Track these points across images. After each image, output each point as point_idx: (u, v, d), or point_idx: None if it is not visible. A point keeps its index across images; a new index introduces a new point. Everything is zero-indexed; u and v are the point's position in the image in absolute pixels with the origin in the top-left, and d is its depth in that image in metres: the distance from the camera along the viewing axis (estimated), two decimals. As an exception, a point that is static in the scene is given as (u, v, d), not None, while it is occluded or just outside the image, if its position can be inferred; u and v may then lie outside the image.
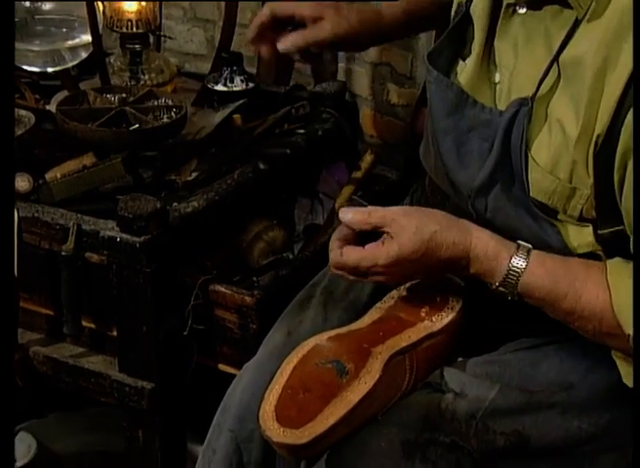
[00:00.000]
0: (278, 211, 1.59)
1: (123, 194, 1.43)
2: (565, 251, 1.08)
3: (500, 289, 1.05)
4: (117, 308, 1.44)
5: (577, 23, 1.02)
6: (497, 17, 1.10)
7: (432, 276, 1.09)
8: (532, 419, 1.07)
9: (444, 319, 1.13)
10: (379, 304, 1.17)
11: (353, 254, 1.06)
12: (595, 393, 1.09)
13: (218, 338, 1.46)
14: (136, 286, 1.40)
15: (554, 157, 1.04)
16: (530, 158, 1.06)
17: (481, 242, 1.06)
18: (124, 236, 1.39)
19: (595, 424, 1.08)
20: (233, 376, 1.25)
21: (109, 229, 1.42)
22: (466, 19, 1.15)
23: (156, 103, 1.62)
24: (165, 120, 1.58)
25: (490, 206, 1.12)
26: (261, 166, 1.57)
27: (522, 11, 1.07)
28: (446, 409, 1.05)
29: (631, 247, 0.99)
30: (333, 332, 1.14)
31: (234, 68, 1.70)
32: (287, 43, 1.30)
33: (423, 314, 1.14)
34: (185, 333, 1.43)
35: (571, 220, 1.07)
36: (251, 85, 1.71)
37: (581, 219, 1.06)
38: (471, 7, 1.14)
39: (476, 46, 1.12)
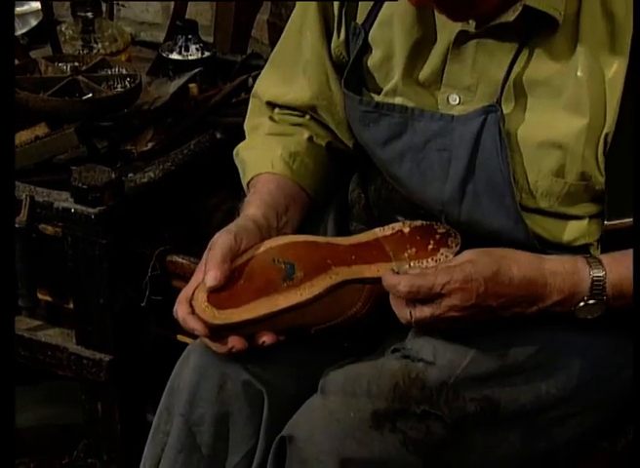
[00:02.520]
0: (237, 181, 1.53)
1: (77, 165, 1.39)
2: (542, 250, 1.07)
3: (591, 302, 1.02)
4: (73, 280, 1.40)
5: (536, 43, 1.03)
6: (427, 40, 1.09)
7: (508, 308, 1.03)
8: (501, 385, 1.04)
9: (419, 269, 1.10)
10: (377, 229, 1.14)
11: (424, 278, 1.02)
12: (563, 356, 1.06)
13: (176, 309, 1.41)
14: (91, 258, 1.36)
15: (558, 161, 1.04)
16: (520, 162, 1.05)
17: (553, 259, 1.03)
18: (78, 207, 1.35)
19: (563, 388, 1.05)
20: None
21: (63, 200, 1.37)
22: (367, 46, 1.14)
23: (110, 72, 1.57)
24: (119, 89, 1.53)
25: (463, 215, 1.10)
26: (218, 135, 1.53)
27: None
28: (416, 377, 1.02)
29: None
30: (312, 238, 1.11)
31: (189, 37, 1.66)
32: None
33: (406, 256, 1.10)
34: (143, 305, 1.39)
35: (568, 214, 1.07)
36: (206, 53, 1.67)
37: (579, 215, 1.07)
38: (371, 33, 1.13)
39: (404, 67, 1.10)
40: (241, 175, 1.24)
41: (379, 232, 1.14)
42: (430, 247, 1.11)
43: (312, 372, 1.07)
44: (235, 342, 1.02)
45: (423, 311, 1.01)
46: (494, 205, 1.07)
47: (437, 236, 1.12)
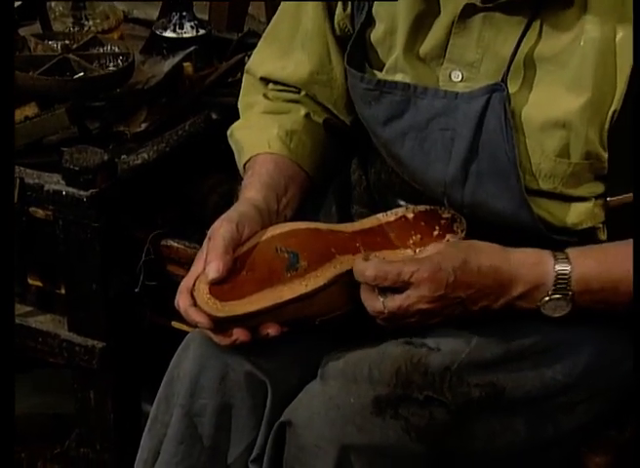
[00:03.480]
0: (233, 163, 1.53)
1: (68, 146, 1.38)
2: (548, 235, 1.07)
3: (555, 296, 1.01)
4: (65, 265, 1.39)
5: (547, 17, 1.02)
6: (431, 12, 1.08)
7: (476, 300, 1.03)
8: (506, 371, 1.04)
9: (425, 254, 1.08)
10: (380, 215, 1.13)
11: (392, 264, 1.02)
12: (569, 342, 1.06)
13: (171, 295, 1.37)
14: (84, 242, 1.35)
15: (562, 141, 1.03)
16: (523, 142, 1.05)
17: (518, 250, 1.03)
18: (70, 190, 1.34)
19: (569, 374, 1.05)
20: (185, 334, 1.18)
21: (54, 183, 1.36)
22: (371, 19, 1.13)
23: (102, 51, 1.56)
24: (111, 68, 1.52)
25: (467, 197, 1.09)
26: (214, 116, 1.52)
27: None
28: (419, 362, 1.02)
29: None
30: (314, 225, 1.11)
31: (184, 14, 1.64)
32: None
33: (411, 242, 1.10)
34: (137, 290, 1.39)
35: (573, 195, 1.06)
36: (201, 31, 1.66)
37: (583, 196, 1.06)
38: (375, 6, 1.12)
39: (405, 41, 1.09)
40: (236, 157, 1.23)
41: (382, 218, 1.13)
42: (436, 233, 1.10)
43: (316, 363, 1.07)
44: (239, 334, 1.02)
45: (394, 300, 1.01)
46: (498, 186, 1.07)
47: (442, 221, 1.11)
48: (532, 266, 1.02)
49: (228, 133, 1.25)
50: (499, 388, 1.03)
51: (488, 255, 1.02)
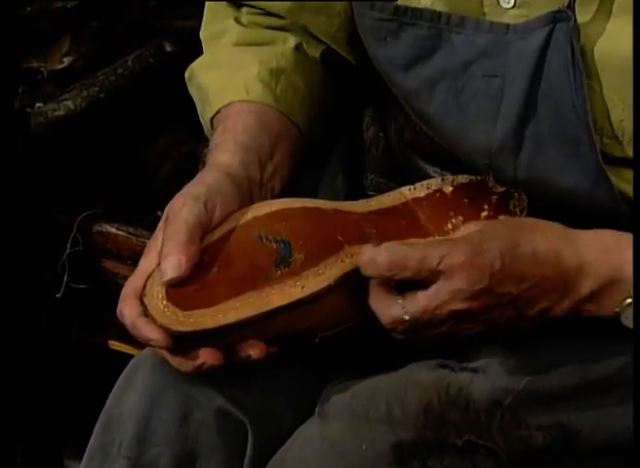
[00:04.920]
0: (195, 115, 1.56)
1: None
2: (619, 212, 1.09)
3: None
4: None
5: None
6: None
7: (533, 301, 1.05)
8: (581, 407, 1.05)
9: None
10: (405, 189, 1.15)
11: (413, 247, 1.03)
12: None
13: (108, 302, 1.41)
14: None
15: None
16: (599, 92, 1.07)
17: (584, 231, 1.06)
18: None
19: None
20: (129, 358, 1.20)
21: None
22: None
23: None
24: None
25: (520, 171, 1.12)
26: (168, 47, 1.56)
27: None
28: (458, 394, 1.03)
29: None
30: (312, 202, 1.12)
31: None
32: None
33: (450, 227, 1.12)
34: (59, 296, 1.43)
35: None
36: None
37: None
38: None
39: None
40: (199, 108, 1.25)
41: (408, 193, 1.15)
42: (484, 214, 1.13)
43: (313, 395, 1.08)
44: (207, 356, 1.02)
45: (417, 300, 1.01)
46: (564, 155, 1.09)
47: (494, 197, 1.13)
48: (606, 252, 1.04)
49: (187, 74, 1.27)
50: (572, 431, 1.04)
51: (546, 236, 1.04)
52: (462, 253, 1.01)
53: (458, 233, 1.06)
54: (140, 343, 1.08)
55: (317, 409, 1.08)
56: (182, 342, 1.03)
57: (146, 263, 1.08)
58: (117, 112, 1.51)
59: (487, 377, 1.05)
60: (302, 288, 1.04)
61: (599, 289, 1.04)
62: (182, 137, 1.54)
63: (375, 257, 1.02)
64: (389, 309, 1.04)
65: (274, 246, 1.07)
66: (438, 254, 1.01)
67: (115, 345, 1.45)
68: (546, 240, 1.04)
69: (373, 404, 1.05)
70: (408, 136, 1.25)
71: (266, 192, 1.16)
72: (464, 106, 1.12)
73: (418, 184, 1.16)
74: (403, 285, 1.03)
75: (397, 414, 1.04)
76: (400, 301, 1.03)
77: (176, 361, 1.05)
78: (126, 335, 1.40)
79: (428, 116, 1.16)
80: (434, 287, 1.02)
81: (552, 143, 1.10)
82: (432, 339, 1.05)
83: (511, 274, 1.02)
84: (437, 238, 1.08)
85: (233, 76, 1.22)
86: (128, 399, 1.11)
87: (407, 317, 1.03)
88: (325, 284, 1.04)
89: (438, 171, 1.20)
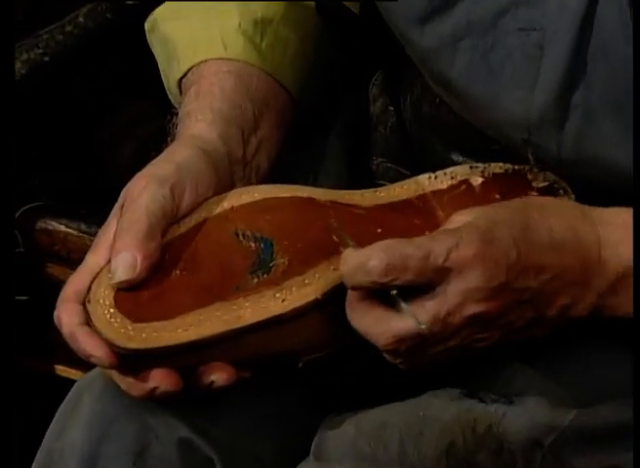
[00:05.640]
0: (160, 82, 1.56)
1: None
2: None
3: None
4: None
5: None
6: None
7: (553, 296, 1.05)
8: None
9: None
10: (423, 178, 1.15)
11: (412, 243, 1.02)
12: None
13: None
14: None
15: None
16: None
17: (601, 208, 1.07)
18: None
19: None
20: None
21: None
22: None
23: None
24: None
25: (566, 148, 1.12)
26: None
27: None
28: (488, 432, 1.03)
29: None
30: (304, 190, 1.13)
31: None
32: None
33: None
34: None
35: None
36: None
37: None
38: None
39: None
40: (162, 67, 1.26)
41: (427, 183, 1.16)
42: None
43: (301, 428, 1.11)
44: (160, 380, 1.02)
45: (426, 308, 1.01)
46: (621, 128, 1.09)
47: (533, 192, 1.14)
48: (628, 230, 1.05)
49: (147, 25, 1.27)
50: (626, 475, 1.06)
51: (557, 214, 1.05)
52: (472, 243, 1.01)
53: (448, 225, 1.05)
54: (87, 365, 1.08)
55: (313, 449, 1.09)
56: (132, 361, 1.03)
57: (94, 259, 1.07)
58: (65, 80, 1.52)
59: (524, 410, 1.06)
60: (283, 301, 1.04)
61: (622, 276, 1.05)
62: (148, 112, 1.54)
63: (365, 262, 1.00)
64: (388, 325, 1.02)
65: (253, 245, 1.08)
66: (444, 248, 1.00)
67: (63, 371, 1.46)
68: (559, 219, 1.05)
69: (382, 442, 1.06)
70: (426, 110, 1.26)
71: (250, 171, 1.16)
72: (495, 70, 1.13)
73: (439, 172, 1.16)
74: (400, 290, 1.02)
75: (412, 456, 1.05)
76: (404, 306, 1.01)
77: (125, 383, 1.04)
78: (77, 359, 1.43)
79: (450, 81, 1.16)
80: (440, 288, 1.01)
81: (605, 114, 1.10)
82: (436, 359, 1.04)
83: (529, 264, 1.03)
84: (440, 229, 1.06)
85: (208, 27, 1.22)
86: (71, 431, 1.12)
87: (423, 326, 1.00)
88: (311, 297, 1.04)
89: (461, 157, 1.21)
